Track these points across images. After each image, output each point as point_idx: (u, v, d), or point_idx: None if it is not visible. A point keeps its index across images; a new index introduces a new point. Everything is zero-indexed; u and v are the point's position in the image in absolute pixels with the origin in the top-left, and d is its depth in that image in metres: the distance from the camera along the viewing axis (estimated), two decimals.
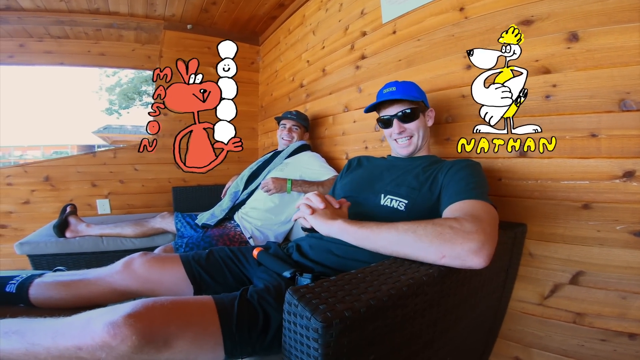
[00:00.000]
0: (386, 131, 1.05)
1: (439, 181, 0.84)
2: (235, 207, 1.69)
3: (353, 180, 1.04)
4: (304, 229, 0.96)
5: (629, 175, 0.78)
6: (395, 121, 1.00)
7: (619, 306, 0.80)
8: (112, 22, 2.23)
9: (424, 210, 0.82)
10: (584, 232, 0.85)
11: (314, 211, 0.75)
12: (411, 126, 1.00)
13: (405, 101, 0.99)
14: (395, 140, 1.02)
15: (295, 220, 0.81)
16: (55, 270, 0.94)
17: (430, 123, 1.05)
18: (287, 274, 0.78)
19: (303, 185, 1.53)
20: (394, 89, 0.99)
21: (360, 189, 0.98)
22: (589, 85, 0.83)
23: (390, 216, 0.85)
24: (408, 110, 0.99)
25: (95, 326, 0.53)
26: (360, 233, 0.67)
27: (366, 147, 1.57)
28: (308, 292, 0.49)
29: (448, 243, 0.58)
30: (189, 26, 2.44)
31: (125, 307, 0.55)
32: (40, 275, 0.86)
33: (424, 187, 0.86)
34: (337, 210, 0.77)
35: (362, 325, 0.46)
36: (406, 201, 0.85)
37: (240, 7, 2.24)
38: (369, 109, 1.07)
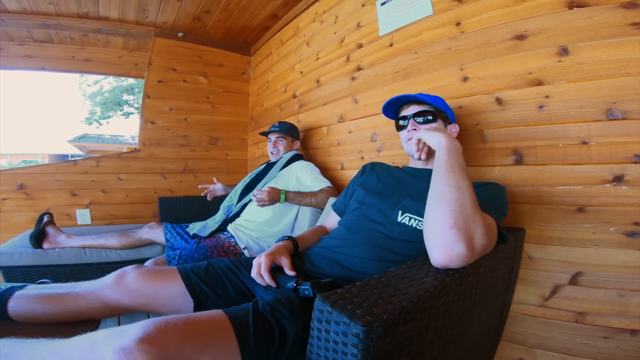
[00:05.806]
0: (402, 134, 0.99)
1: None
2: (228, 219, 1.65)
3: (367, 192, 0.98)
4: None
5: (618, 179, 0.84)
6: (410, 120, 0.95)
7: (618, 304, 0.83)
8: (100, 27, 2.16)
9: None
10: (580, 235, 0.89)
11: None
12: (427, 127, 0.93)
13: (426, 104, 0.95)
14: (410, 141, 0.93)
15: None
16: (39, 283, 0.87)
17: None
18: (290, 285, 0.75)
19: (296, 197, 1.48)
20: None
21: (374, 203, 0.93)
22: (579, 96, 0.89)
23: (406, 238, 0.81)
24: (426, 109, 0.94)
25: (104, 352, 0.47)
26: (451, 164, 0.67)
27: (362, 157, 1.59)
28: (339, 298, 0.48)
29: (465, 223, 0.58)
30: (180, 34, 2.41)
31: (136, 330, 0.50)
32: (21, 287, 0.79)
33: None
34: None
35: (396, 329, 0.46)
36: None
37: (234, 17, 2.24)
38: (386, 106, 1.02)
